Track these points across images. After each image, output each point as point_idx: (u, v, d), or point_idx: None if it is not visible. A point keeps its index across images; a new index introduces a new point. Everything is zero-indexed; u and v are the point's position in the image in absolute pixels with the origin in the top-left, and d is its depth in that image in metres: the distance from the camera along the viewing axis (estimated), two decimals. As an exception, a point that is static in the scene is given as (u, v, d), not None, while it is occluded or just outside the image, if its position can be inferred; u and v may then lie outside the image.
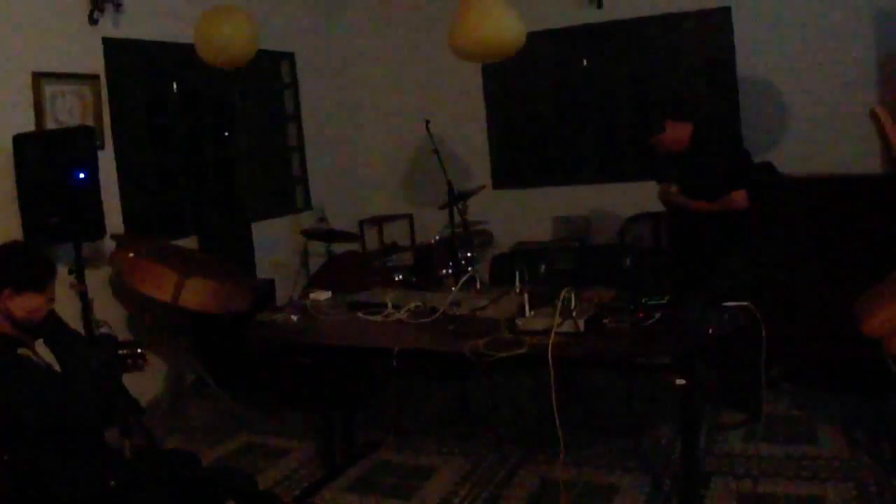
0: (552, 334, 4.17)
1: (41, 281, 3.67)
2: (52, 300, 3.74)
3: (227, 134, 8.72)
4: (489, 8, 6.49)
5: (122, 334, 6.72)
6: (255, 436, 6.34)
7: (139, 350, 4.02)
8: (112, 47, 6.98)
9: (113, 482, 3.50)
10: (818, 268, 6.16)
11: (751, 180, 5.78)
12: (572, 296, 4.39)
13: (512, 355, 4.17)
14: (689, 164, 5.93)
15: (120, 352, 3.98)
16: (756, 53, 8.48)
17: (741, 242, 5.83)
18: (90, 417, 3.56)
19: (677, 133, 5.91)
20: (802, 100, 8.31)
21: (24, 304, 3.58)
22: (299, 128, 9.37)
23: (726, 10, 8.61)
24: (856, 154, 7.62)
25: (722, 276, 5.66)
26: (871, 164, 7.53)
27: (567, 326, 4.29)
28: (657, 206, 8.14)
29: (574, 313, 4.34)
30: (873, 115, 5.14)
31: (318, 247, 8.82)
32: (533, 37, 7.01)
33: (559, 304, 4.32)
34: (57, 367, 3.62)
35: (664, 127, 5.91)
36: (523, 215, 9.55)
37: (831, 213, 6.16)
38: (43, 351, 3.69)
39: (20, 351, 3.50)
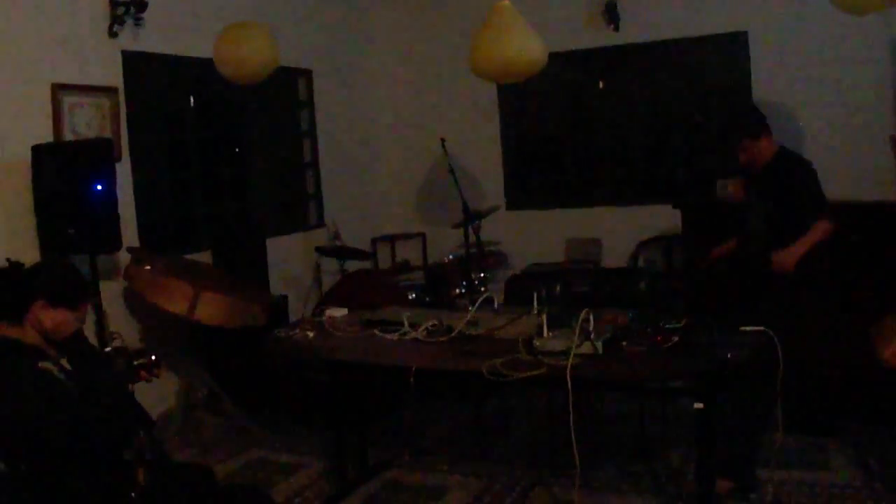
0: (571, 355, 4.16)
1: (76, 299, 3.71)
2: (82, 321, 3.76)
3: (239, 150, 8.72)
4: (511, 27, 6.50)
5: (135, 346, 6.72)
6: (266, 451, 6.34)
7: (153, 358, 4.02)
8: (131, 60, 7.00)
9: (134, 494, 3.49)
10: (834, 294, 6.14)
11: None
12: (591, 317, 4.38)
13: (530, 375, 4.16)
14: (774, 184, 5.68)
15: (135, 362, 3.98)
16: (772, 78, 8.49)
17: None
18: (107, 435, 3.55)
19: (760, 149, 5.67)
20: (818, 125, 8.30)
21: (56, 317, 3.61)
22: (314, 144, 9.38)
23: (743, 35, 8.62)
24: (872, 180, 7.61)
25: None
26: (888, 191, 7.52)
27: (585, 348, 4.27)
28: (670, 230, 8.18)
29: (592, 335, 4.33)
30: (893, 141, 5.13)
31: (330, 264, 8.82)
32: (550, 58, 7.02)
33: (578, 326, 4.31)
34: (75, 383, 3.61)
35: (743, 148, 5.68)
36: (536, 236, 9.54)
37: (848, 239, 6.15)
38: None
39: (42, 364, 3.50)
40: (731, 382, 4.43)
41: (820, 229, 5.47)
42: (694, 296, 6.75)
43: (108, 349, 5.20)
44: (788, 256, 5.46)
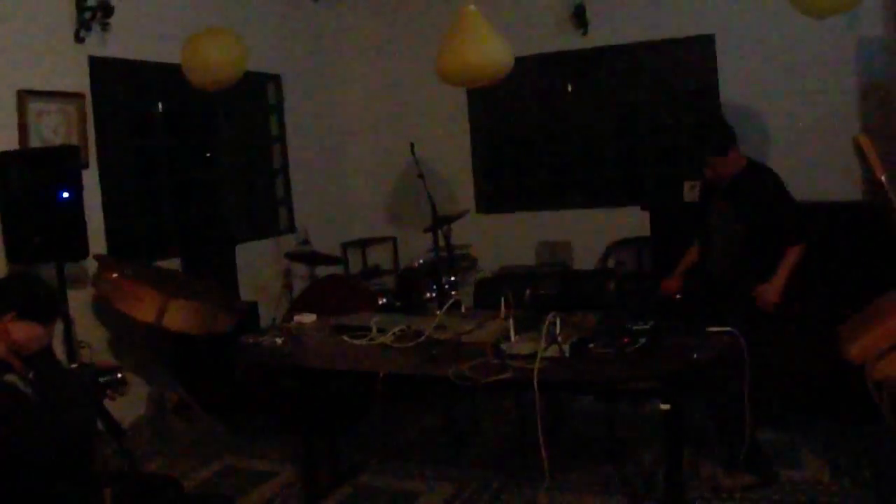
0: (538, 359, 4.17)
1: (46, 315, 3.69)
2: (51, 336, 3.75)
3: (210, 155, 8.70)
4: (476, 33, 6.52)
5: (105, 355, 6.70)
6: (237, 458, 6.30)
7: (119, 375, 4.00)
8: (98, 66, 6.97)
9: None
10: (801, 294, 6.17)
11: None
12: (557, 321, 4.40)
13: (497, 380, 4.17)
14: (741, 196, 5.58)
15: (101, 379, 3.96)
16: (738, 80, 8.53)
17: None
18: (70, 450, 3.53)
19: (727, 164, 5.54)
20: (785, 127, 8.35)
21: (27, 331, 3.58)
22: (284, 150, 9.36)
23: (710, 38, 8.66)
24: (838, 181, 7.68)
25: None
26: (853, 191, 7.58)
27: (552, 351, 4.29)
28: (640, 231, 8.20)
29: (559, 338, 4.34)
30: (856, 144, 5.16)
31: (301, 269, 8.81)
32: (518, 62, 7.04)
33: (545, 329, 4.32)
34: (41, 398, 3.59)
35: (709, 164, 5.56)
36: (507, 240, 9.54)
37: (814, 239, 6.19)
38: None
39: (7, 377, 3.48)
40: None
41: (797, 254, 5.40)
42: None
43: (73, 365, 5.20)
44: (773, 291, 5.37)
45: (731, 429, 5.09)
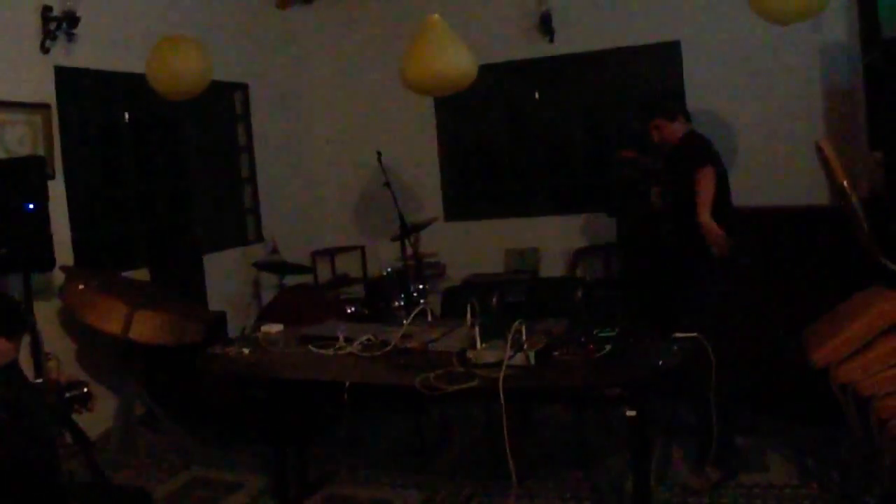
0: (503, 367, 4.19)
1: (13, 330, 3.66)
2: (17, 351, 3.73)
3: (178, 164, 8.67)
4: (440, 42, 6.54)
5: (72, 367, 6.67)
6: (206, 470, 6.27)
7: (86, 390, 3.99)
8: (64, 76, 6.95)
9: None
10: (767, 298, 6.23)
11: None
12: (523, 328, 4.41)
13: (463, 388, 4.18)
14: (674, 165, 5.83)
15: (67, 394, 3.95)
16: (704, 86, 8.59)
17: (705, 271, 5.65)
18: (35, 464, 3.52)
19: (672, 130, 5.80)
20: (750, 132, 8.43)
21: None
22: (251, 159, 9.34)
23: (676, 45, 8.72)
24: (803, 186, 7.71)
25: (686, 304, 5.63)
26: (819, 195, 7.64)
27: (518, 359, 4.30)
28: (608, 238, 8.24)
29: (525, 346, 4.36)
30: (818, 149, 5.21)
31: (270, 279, 8.80)
32: (485, 70, 7.07)
33: (510, 337, 4.34)
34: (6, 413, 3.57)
35: (655, 125, 5.82)
36: (475, 247, 9.57)
37: (779, 244, 6.24)
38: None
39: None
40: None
41: (705, 176, 5.48)
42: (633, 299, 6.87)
43: (39, 380, 5.17)
44: (701, 218, 5.45)
45: (705, 427, 5.15)
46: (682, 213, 5.63)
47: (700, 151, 5.65)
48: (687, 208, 5.54)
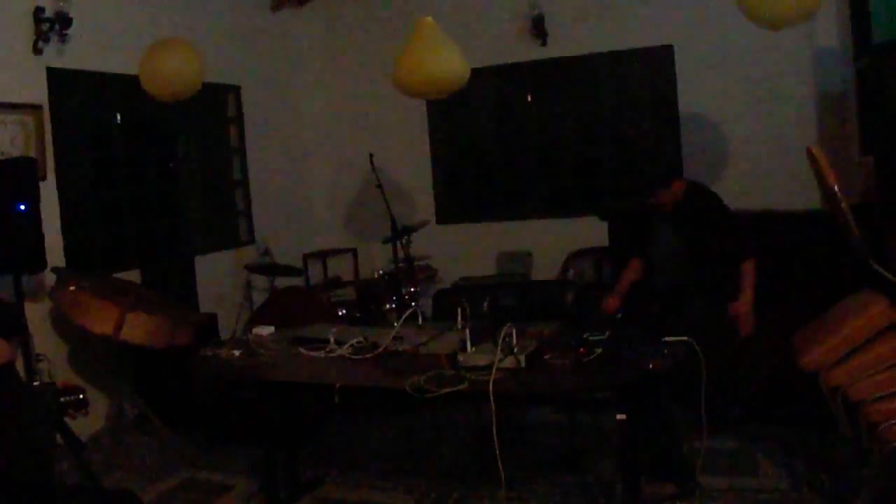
0: (493, 370, 4.19)
1: (11, 332, 3.66)
2: (14, 353, 3.73)
3: (170, 166, 8.66)
4: (433, 45, 6.55)
5: (63, 368, 6.66)
6: (197, 471, 6.26)
7: (81, 396, 3.99)
8: (56, 77, 6.94)
9: None
10: (757, 301, 6.23)
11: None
12: (513, 332, 4.42)
13: (453, 391, 4.19)
14: (683, 218, 5.75)
15: (62, 399, 3.95)
16: (697, 90, 8.62)
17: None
18: (28, 466, 3.52)
19: (672, 193, 5.71)
20: (742, 136, 8.46)
21: None
22: (244, 161, 9.34)
23: (669, 48, 8.75)
24: (795, 190, 7.75)
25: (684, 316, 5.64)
26: (811, 199, 7.65)
27: (508, 362, 4.31)
28: (600, 241, 8.24)
29: (515, 349, 4.36)
30: (809, 155, 5.21)
31: (261, 281, 8.79)
32: (478, 73, 7.08)
33: (500, 340, 4.34)
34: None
35: (658, 195, 5.72)
36: (467, 250, 9.58)
37: (771, 248, 6.24)
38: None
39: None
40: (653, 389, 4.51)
41: (753, 269, 5.56)
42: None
43: (35, 384, 5.16)
44: (745, 304, 5.55)
45: (657, 439, 5.16)
46: (690, 270, 5.69)
47: (742, 236, 5.66)
48: (700, 259, 5.62)
